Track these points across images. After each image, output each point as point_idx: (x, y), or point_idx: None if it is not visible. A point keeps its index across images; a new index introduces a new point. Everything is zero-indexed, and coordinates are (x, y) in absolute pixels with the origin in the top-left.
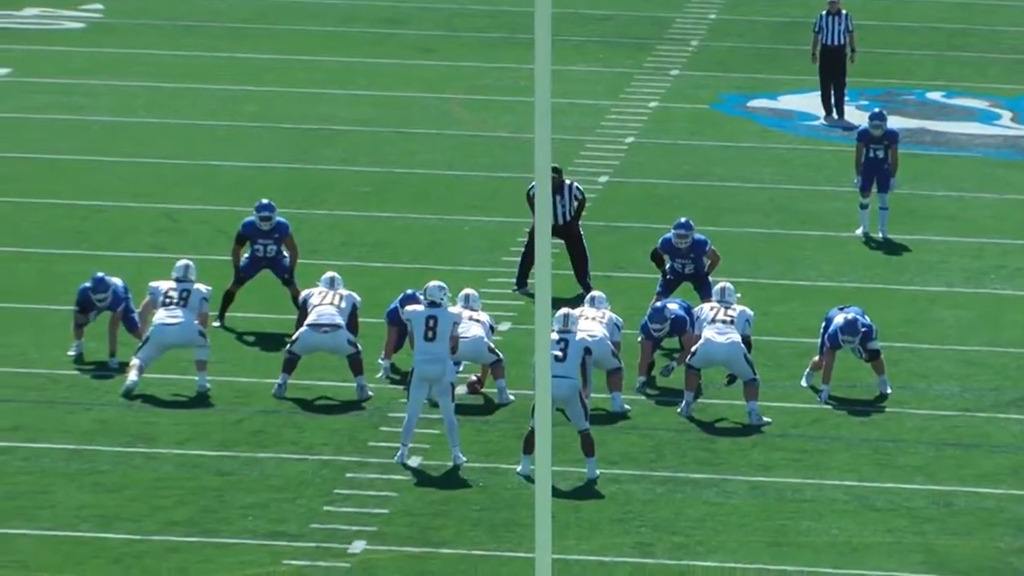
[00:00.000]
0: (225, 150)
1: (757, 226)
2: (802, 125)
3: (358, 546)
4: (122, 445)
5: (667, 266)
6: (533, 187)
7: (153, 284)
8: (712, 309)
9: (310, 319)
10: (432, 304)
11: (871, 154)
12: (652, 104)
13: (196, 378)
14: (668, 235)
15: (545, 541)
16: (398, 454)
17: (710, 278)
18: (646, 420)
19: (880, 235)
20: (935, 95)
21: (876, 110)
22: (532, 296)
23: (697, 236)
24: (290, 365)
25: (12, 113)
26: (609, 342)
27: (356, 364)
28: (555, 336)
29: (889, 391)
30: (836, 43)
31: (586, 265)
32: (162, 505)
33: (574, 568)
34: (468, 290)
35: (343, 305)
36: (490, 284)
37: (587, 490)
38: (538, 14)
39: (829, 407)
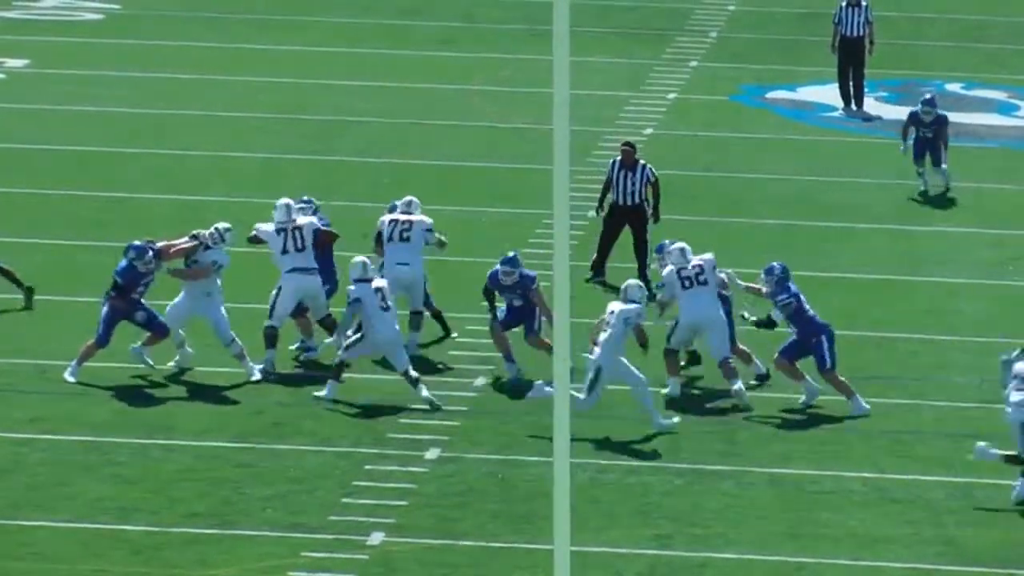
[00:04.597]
0: (245, 142)
1: (776, 217)
2: (821, 116)
3: (377, 538)
4: (140, 437)
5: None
6: (613, 161)
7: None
8: (681, 272)
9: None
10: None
11: (920, 134)
12: (671, 96)
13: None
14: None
15: (564, 533)
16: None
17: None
18: (664, 412)
19: (944, 188)
20: (954, 86)
21: (928, 96)
22: (605, 284)
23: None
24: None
25: (31, 104)
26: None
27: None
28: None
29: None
30: (855, 34)
31: (645, 258)
32: (181, 497)
33: (593, 560)
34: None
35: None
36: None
37: (605, 482)
38: (557, 5)
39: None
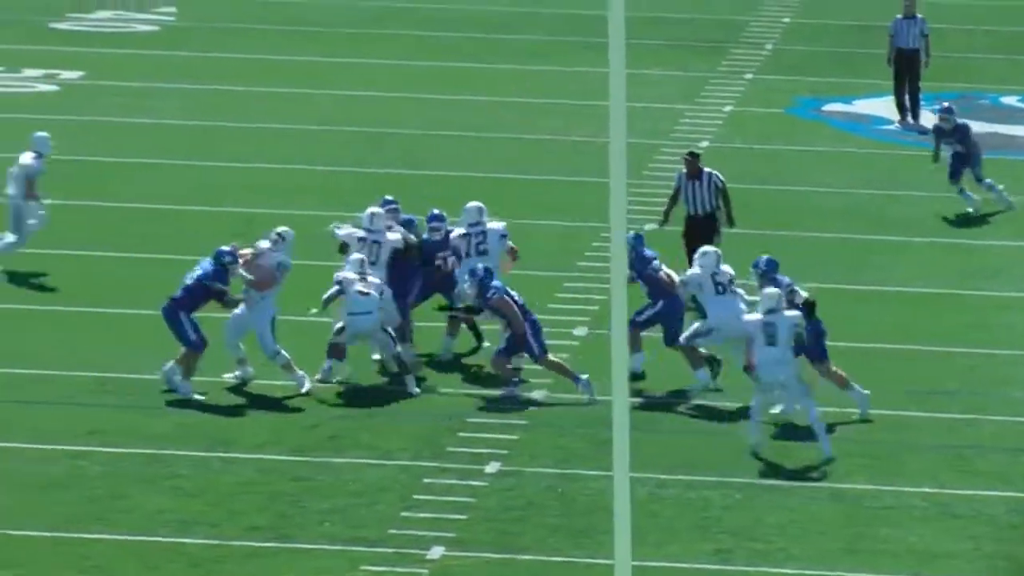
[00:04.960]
0: (297, 153)
1: (829, 230)
2: (877, 129)
3: (436, 552)
4: (200, 450)
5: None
6: (680, 174)
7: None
8: (715, 277)
9: None
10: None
11: (952, 148)
12: (727, 108)
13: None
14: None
15: (625, 547)
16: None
17: None
18: (722, 425)
19: (1006, 207)
20: (1009, 99)
21: (944, 104)
22: None
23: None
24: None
25: (86, 116)
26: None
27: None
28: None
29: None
30: (911, 47)
31: None
32: (241, 510)
33: (652, 574)
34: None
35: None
36: (565, 288)
37: (664, 496)
38: (612, 18)
39: (909, 413)
